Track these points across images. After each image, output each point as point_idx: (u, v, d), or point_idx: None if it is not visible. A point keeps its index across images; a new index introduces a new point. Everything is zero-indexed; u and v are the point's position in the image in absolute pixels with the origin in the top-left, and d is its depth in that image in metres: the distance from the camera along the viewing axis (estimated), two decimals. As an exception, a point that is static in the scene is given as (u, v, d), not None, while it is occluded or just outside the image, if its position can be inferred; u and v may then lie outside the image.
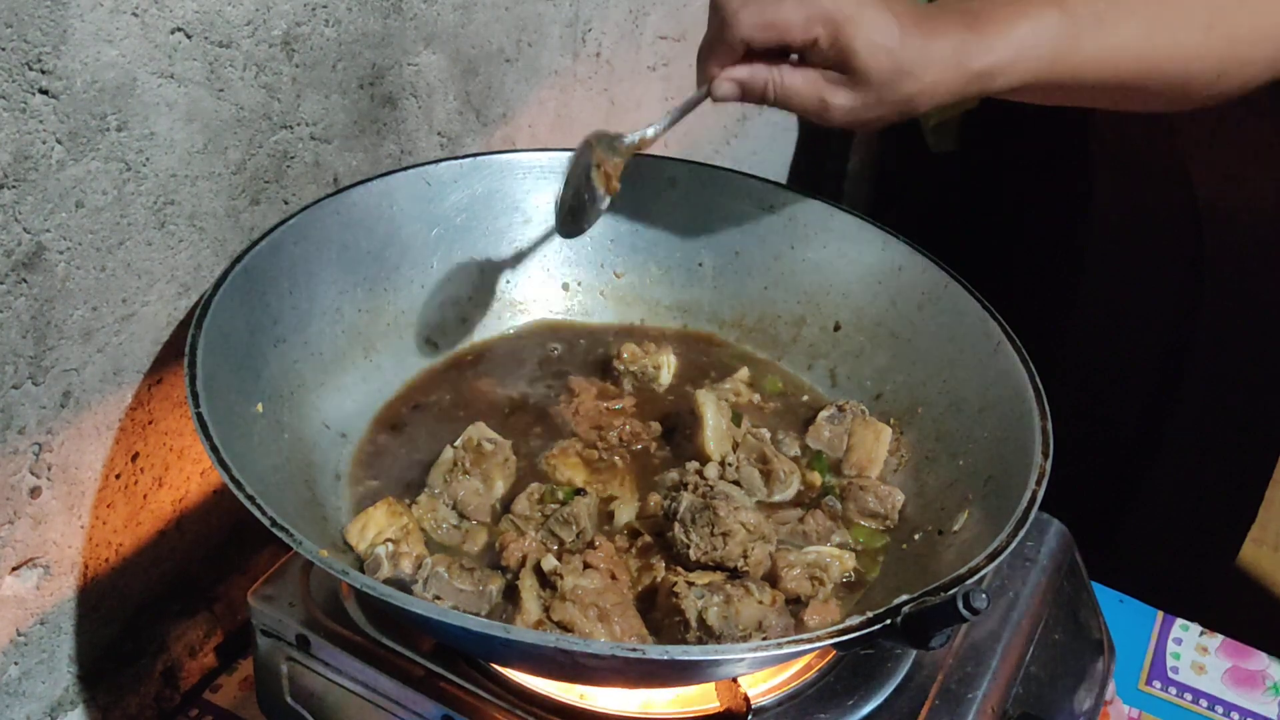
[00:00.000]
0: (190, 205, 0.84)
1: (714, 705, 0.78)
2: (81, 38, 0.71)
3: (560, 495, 0.86)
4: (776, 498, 0.91)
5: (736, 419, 0.94)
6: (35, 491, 0.80)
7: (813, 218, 1.03)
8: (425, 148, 1.06)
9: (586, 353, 1.04)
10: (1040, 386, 0.85)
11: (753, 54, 0.83)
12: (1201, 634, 1.10)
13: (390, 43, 0.97)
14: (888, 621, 0.67)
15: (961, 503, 0.85)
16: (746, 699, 0.76)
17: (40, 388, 0.77)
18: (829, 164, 1.94)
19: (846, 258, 1.02)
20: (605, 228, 1.05)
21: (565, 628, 0.75)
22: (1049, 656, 0.89)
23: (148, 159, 0.79)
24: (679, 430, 0.94)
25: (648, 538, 0.85)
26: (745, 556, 0.81)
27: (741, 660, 0.69)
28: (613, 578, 0.78)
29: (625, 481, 0.91)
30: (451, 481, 0.86)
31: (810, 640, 0.69)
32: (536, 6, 1.13)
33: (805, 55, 0.82)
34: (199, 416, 0.72)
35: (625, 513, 0.87)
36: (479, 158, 1.02)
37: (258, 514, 0.68)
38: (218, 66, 0.82)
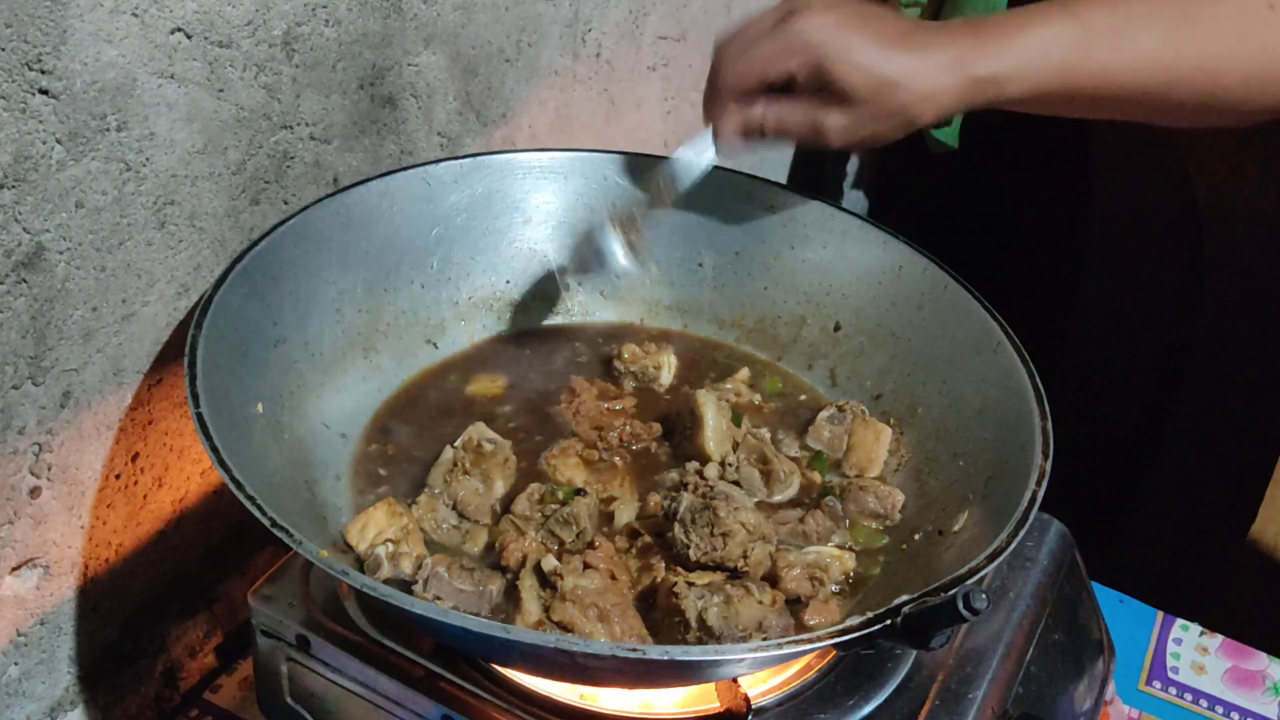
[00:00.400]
0: (190, 205, 0.84)
1: (714, 705, 0.78)
2: (81, 38, 0.71)
3: (560, 495, 0.86)
4: (776, 498, 0.91)
5: (736, 419, 0.94)
6: (35, 491, 0.80)
7: (813, 218, 1.03)
8: (425, 148, 1.06)
9: (586, 353, 1.04)
10: (1040, 386, 0.85)
11: (749, 98, 0.86)
12: (1201, 634, 1.10)
13: (390, 43, 0.97)
14: (888, 622, 0.67)
15: (961, 503, 0.85)
16: (746, 699, 0.76)
17: (40, 388, 0.77)
18: (829, 164, 1.94)
19: (846, 258, 1.02)
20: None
21: (565, 628, 0.75)
22: (1049, 656, 0.89)
23: (148, 159, 0.79)
24: (679, 430, 0.94)
25: (648, 538, 0.85)
26: (745, 557, 0.81)
27: (741, 660, 0.69)
28: (613, 578, 0.78)
29: (625, 481, 0.91)
30: (451, 482, 0.86)
31: (810, 640, 0.69)
32: (536, 6, 1.13)
33: (794, 87, 0.85)
34: (199, 417, 0.72)
35: (625, 513, 0.87)
36: (479, 158, 1.02)
37: (258, 514, 0.67)
38: (218, 66, 0.82)
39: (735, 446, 0.92)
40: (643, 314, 1.08)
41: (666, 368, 1.01)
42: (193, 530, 0.95)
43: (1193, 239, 1.53)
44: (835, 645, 0.69)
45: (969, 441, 0.89)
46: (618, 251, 0.95)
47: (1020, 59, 0.82)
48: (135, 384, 0.85)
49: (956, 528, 0.84)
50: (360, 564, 0.80)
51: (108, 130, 0.75)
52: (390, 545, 0.80)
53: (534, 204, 1.04)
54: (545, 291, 1.06)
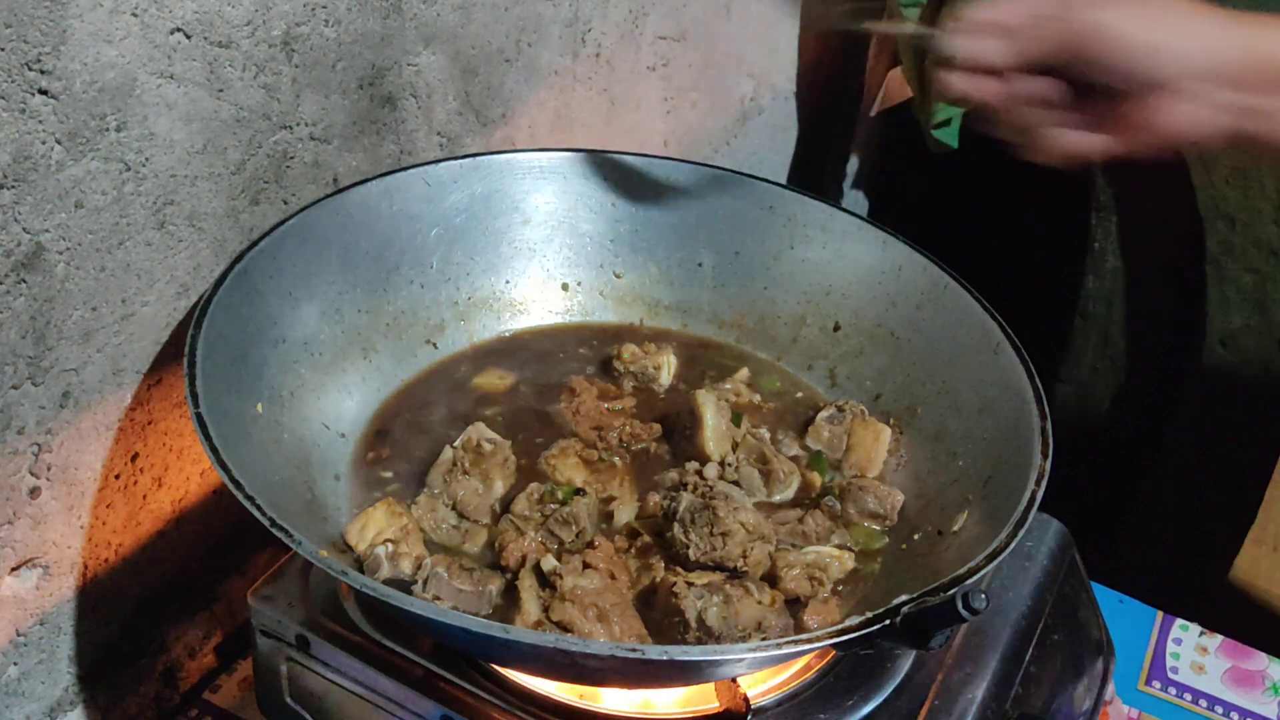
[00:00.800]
0: (190, 205, 0.84)
1: (714, 705, 0.78)
2: (81, 38, 0.71)
3: (560, 495, 0.86)
4: (776, 498, 0.91)
5: (736, 419, 0.94)
6: (35, 492, 0.80)
7: (813, 218, 1.03)
8: (425, 148, 1.06)
9: (586, 353, 1.04)
10: (1040, 386, 0.85)
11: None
12: (1201, 634, 1.10)
13: (390, 43, 0.97)
14: (887, 622, 0.67)
15: (961, 503, 0.85)
16: (746, 699, 0.76)
17: (40, 388, 0.77)
18: (829, 164, 1.94)
19: (846, 258, 1.02)
20: (605, 228, 1.06)
21: (565, 628, 0.75)
22: (1048, 656, 0.89)
23: (147, 159, 0.79)
24: (679, 430, 0.94)
25: (647, 538, 0.85)
26: (745, 556, 0.81)
27: (741, 660, 0.69)
28: (612, 578, 0.78)
29: (625, 481, 0.91)
30: (451, 481, 0.86)
31: (810, 640, 0.69)
32: (536, 6, 1.13)
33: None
34: (199, 417, 0.72)
35: (625, 513, 0.87)
36: (479, 158, 1.02)
37: (257, 514, 0.68)
38: (217, 67, 0.82)
39: (735, 446, 0.92)
40: (642, 314, 1.08)
41: (666, 368, 1.01)
42: (192, 530, 0.95)
43: (1192, 239, 1.53)
44: (834, 645, 0.69)
45: (969, 442, 0.89)
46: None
47: None
48: (135, 384, 0.85)
49: (956, 528, 0.84)
50: (360, 564, 0.80)
51: (107, 130, 0.75)
52: (390, 545, 0.80)
53: (534, 204, 1.04)
54: (545, 292, 1.06)
